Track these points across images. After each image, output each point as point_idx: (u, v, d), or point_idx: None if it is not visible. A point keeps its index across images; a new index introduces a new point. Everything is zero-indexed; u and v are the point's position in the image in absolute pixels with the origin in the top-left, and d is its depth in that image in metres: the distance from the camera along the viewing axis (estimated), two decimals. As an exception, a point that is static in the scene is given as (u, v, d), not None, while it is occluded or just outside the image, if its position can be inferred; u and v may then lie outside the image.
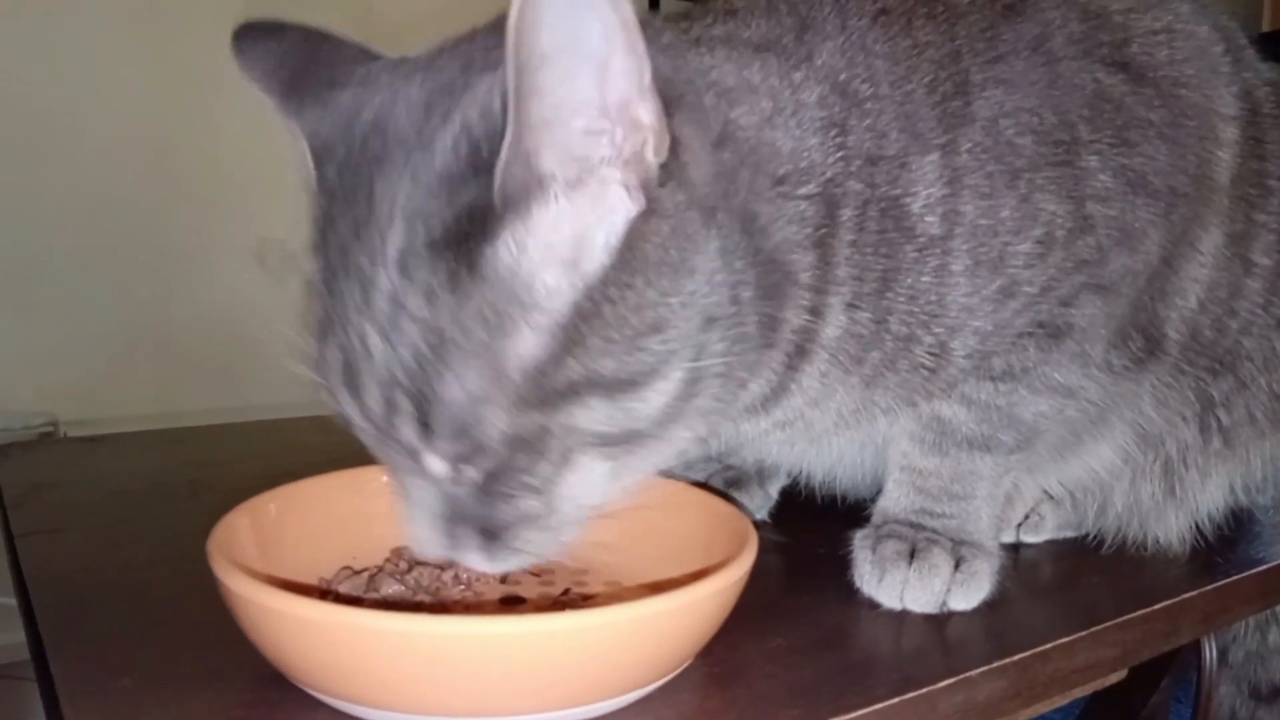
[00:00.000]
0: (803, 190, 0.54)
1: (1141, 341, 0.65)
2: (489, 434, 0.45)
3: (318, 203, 0.49)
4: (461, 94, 0.45)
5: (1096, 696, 0.90)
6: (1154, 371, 0.67)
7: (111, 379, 2.08)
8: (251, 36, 0.54)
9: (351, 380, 0.47)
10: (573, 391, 0.45)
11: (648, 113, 0.44)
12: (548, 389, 0.45)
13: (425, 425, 0.45)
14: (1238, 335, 0.70)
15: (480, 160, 0.43)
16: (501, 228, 0.43)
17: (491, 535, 0.49)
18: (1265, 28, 3.03)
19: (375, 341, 0.45)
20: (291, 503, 0.59)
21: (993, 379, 0.62)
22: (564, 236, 0.44)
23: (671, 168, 0.46)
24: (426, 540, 0.50)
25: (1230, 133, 0.66)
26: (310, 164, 0.50)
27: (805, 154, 0.54)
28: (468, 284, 0.43)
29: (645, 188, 0.45)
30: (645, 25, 0.43)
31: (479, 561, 0.50)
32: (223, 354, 2.15)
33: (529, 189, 0.43)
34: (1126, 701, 0.88)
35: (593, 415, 0.46)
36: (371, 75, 0.50)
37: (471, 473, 0.47)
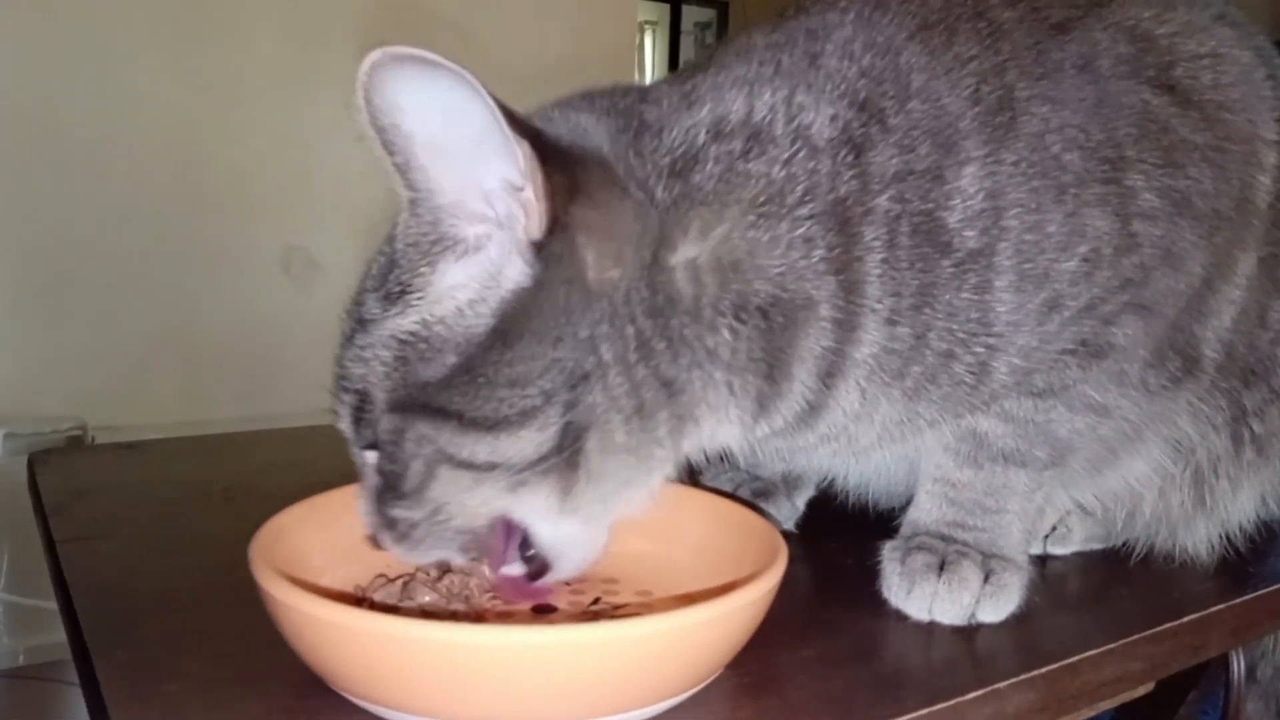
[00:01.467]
0: (802, 211, 0.54)
1: (1179, 362, 0.65)
2: (377, 434, 0.54)
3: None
4: None
5: (1122, 710, 0.89)
6: (1190, 390, 0.67)
7: (139, 385, 2.11)
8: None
9: (336, 383, 0.56)
10: (433, 411, 0.52)
11: (526, 195, 0.50)
12: (418, 400, 0.52)
13: (356, 421, 0.55)
14: (1270, 346, 0.70)
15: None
16: (412, 274, 0.52)
17: (390, 524, 0.56)
18: (1291, 35, 3.01)
19: (343, 353, 0.55)
20: (328, 510, 0.60)
21: (1034, 395, 0.62)
22: (455, 293, 0.51)
23: (557, 247, 0.51)
24: (365, 517, 0.57)
25: (1271, 158, 0.66)
26: None
27: (801, 177, 0.55)
28: (381, 315, 0.53)
29: (527, 261, 0.51)
30: (625, 110, 0.55)
31: (392, 546, 0.56)
32: (248, 361, 2.17)
33: (423, 249, 0.51)
34: (1152, 715, 0.88)
35: (443, 435, 0.52)
36: None
37: (377, 475, 0.55)
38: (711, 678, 0.50)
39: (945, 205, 0.56)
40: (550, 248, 0.50)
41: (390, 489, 0.54)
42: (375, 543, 0.57)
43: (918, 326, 0.57)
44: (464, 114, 0.47)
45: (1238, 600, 0.67)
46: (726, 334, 0.55)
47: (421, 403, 0.52)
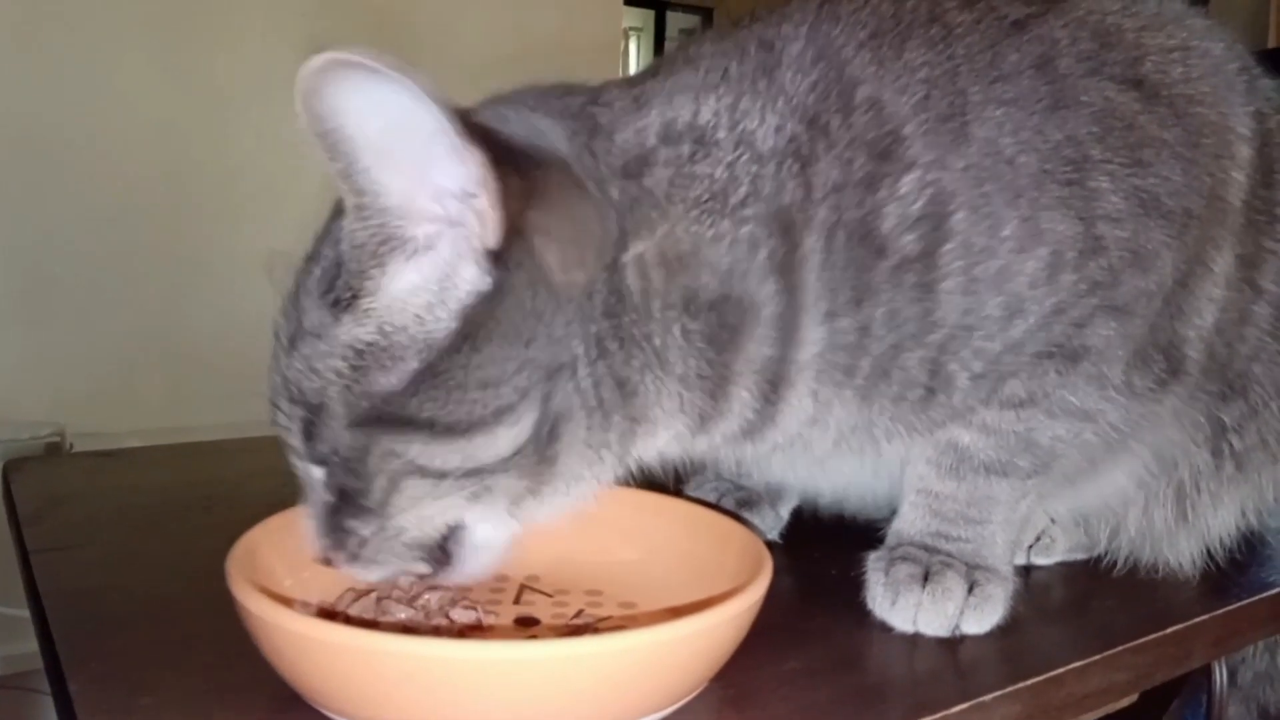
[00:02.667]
0: (746, 212, 0.55)
1: (1163, 363, 0.65)
2: (335, 449, 0.52)
3: (313, 240, 0.56)
4: None
5: None
6: (1175, 393, 0.67)
7: (120, 390, 2.09)
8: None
9: (278, 392, 0.54)
10: (399, 422, 0.51)
11: (479, 202, 0.49)
12: (381, 414, 0.51)
13: (307, 436, 0.53)
14: (1248, 361, 0.70)
15: None
16: (360, 278, 0.50)
17: (342, 543, 0.55)
18: (1271, 44, 3.04)
19: (287, 361, 0.53)
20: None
21: (1014, 406, 0.62)
22: (410, 296, 0.50)
23: (515, 251, 0.50)
24: (310, 538, 0.56)
25: (1245, 152, 0.65)
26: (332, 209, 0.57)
27: (743, 180, 0.55)
28: (331, 322, 0.51)
29: (484, 267, 0.50)
30: (578, 111, 0.55)
31: (345, 565, 0.55)
32: (231, 367, 2.13)
33: (371, 250, 0.50)
34: (1136, 724, 0.88)
35: (412, 447, 0.51)
36: None
37: (330, 492, 0.54)
38: (697, 691, 0.50)
39: (879, 212, 0.56)
40: (509, 254, 0.50)
41: (346, 505, 0.53)
42: (327, 563, 0.56)
43: (860, 319, 0.57)
44: (411, 119, 0.46)
45: (1221, 610, 0.67)
46: (676, 332, 0.55)
47: (387, 416, 0.51)
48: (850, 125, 0.56)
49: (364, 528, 0.54)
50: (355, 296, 0.50)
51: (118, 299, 2.11)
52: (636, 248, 0.54)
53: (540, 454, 0.53)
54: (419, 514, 0.54)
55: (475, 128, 0.48)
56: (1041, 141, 0.57)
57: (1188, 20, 0.66)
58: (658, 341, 0.55)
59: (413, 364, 0.50)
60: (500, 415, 0.51)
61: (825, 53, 0.58)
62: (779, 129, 0.56)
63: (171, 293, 2.15)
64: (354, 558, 0.55)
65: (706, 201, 0.55)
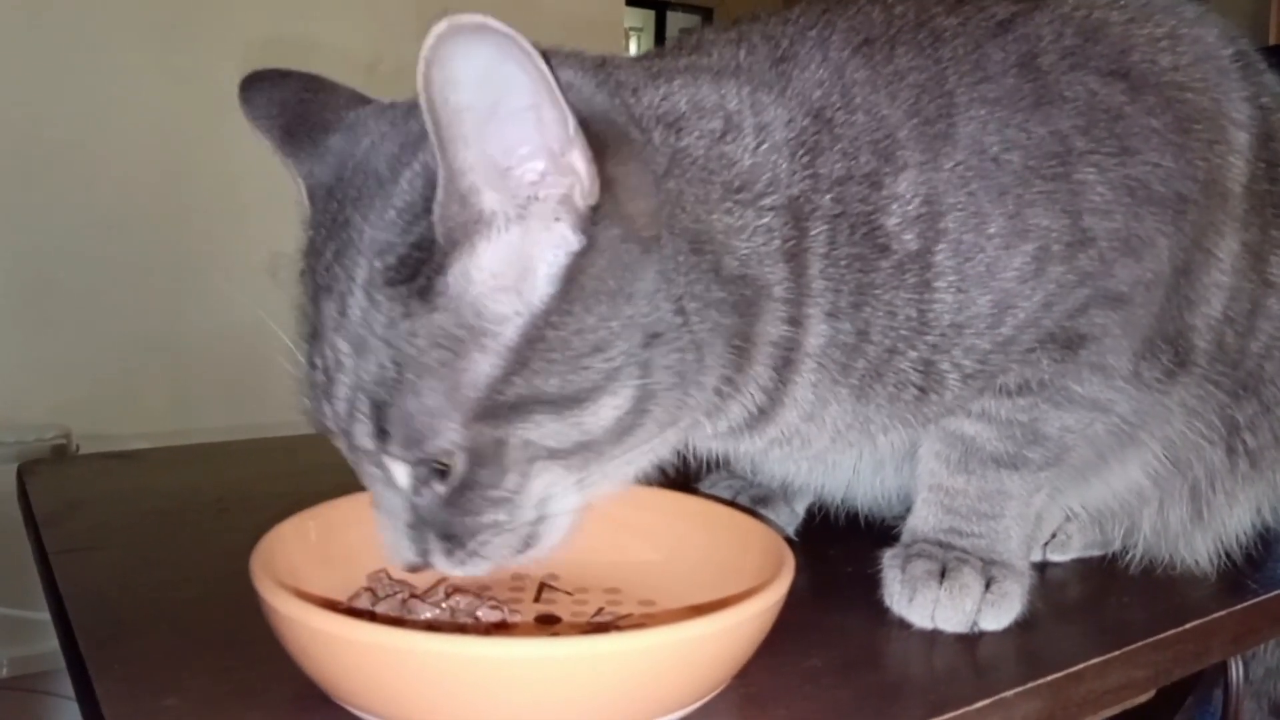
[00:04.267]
0: (765, 202, 0.56)
1: (1171, 353, 0.65)
2: (445, 446, 0.50)
3: (309, 233, 0.54)
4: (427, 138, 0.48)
5: (1120, 717, 0.89)
6: (1184, 385, 0.67)
7: (124, 393, 2.09)
8: (256, 85, 0.60)
9: (327, 391, 0.51)
10: (524, 407, 0.49)
11: (575, 159, 0.48)
12: (501, 405, 0.49)
13: (383, 433, 0.50)
14: (1259, 359, 0.70)
15: (433, 198, 0.47)
16: (448, 260, 0.48)
17: (455, 541, 0.53)
18: (1272, 41, 3.04)
19: (346, 356, 0.50)
20: (326, 521, 0.59)
21: (1009, 394, 0.62)
22: (508, 268, 0.48)
23: (605, 206, 0.49)
24: (396, 547, 0.54)
25: (1242, 138, 0.65)
26: (305, 200, 0.56)
27: (765, 168, 0.56)
28: (420, 311, 0.48)
29: (580, 226, 0.49)
30: (596, 68, 0.54)
31: (445, 566, 0.53)
32: (235, 369, 2.15)
33: (469, 226, 0.47)
34: (1151, 720, 0.88)
35: (543, 430, 0.50)
36: (360, 120, 0.56)
37: (439, 486, 0.51)
38: (719, 689, 0.50)
39: (883, 210, 0.57)
40: (602, 208, 0.49)
41: (454, 501, 0.51)
42: (414, 570, 0.54)
43: (858, 323, 0.58)
44: (522, 83, 0.45)
45: (1238, 607, 0.67)
46: (719, 296, 0.55)
47: (509, 401, 0.49)
48: (852, 123, 0.58)
49: (482, 520, 0.52)
50: (444, 275, 0.48)
51: (121, 302, 2.11)
52: (683, 217, 0.54)
53: (629, 424, 0.52)
54: (544, 496, 0.53)
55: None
56: (1026, 138, 0.58)
57: (1178, 9, 0.66)
58: (712, 303, 0.54)
59: (512, 339, 0.48)
60: (611, 380, 0.50)
61: (827, 55, 0.59)
62: (789, 121, 0.57)
63: (174, 296, 2.15)
64: (465, 555, 0.53)
65: (738, 190, 0.55)
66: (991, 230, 0.57)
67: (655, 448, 0.57)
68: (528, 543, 0.54)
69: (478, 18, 0.43)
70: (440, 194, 0.47)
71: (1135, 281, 0.61)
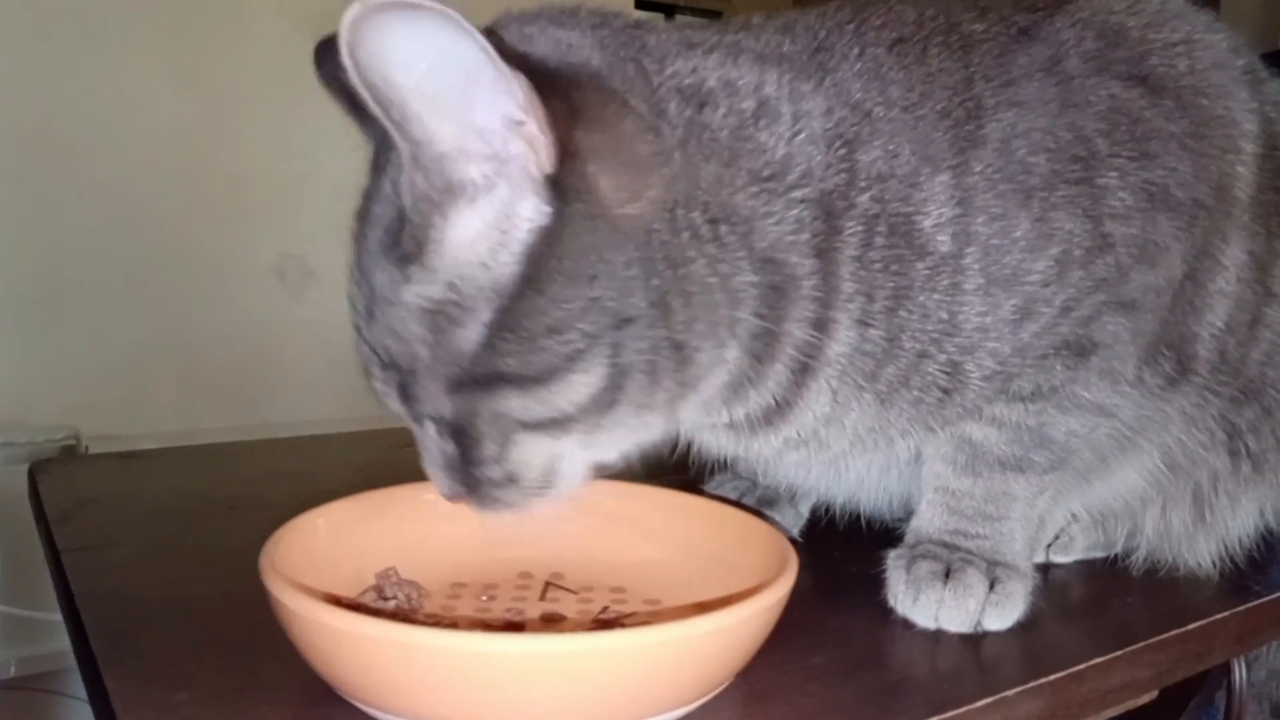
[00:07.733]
0: (796, 193, 0.56)
1: (1174, 360, 0.65)
2: (438, 411, 0.52)
3: (361, 199, 0.55)
4: None
5: (1124, 717, 0.90)
6: (1184, 393, 0.67)
7: (134, 394, 2.10)
8: (329, 52, 0.58)
9: (369, 358, 0.54)
10: (488, 383, 0.51)
11: (529, 129, 0.47)
12: (471, 378, 0.51)
13: (406, 396, 0.53)
14: (1260, 366, 0.70)
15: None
16: (420, 233, 0.49)
17: (473, 487, 0.55)
18: (1280, 46, 3.03)
19: (369, 330, 0.53)
20: (336, 520, 0.60)
21: (1021, 399, 0.63)
22: (481, 240, 0.49)
23: (569, 179, 0.49)
24: (438, 481, 0.56)
25: (1250, 148, 0.66)
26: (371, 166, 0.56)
27: (799, 158, 0.56)
28: (401, 282, 0.50)
29: (546, 199, 0.49)
30: (621, 30, 0.54)
31: (478, 507, 0.56)
32: (243, 369, 2.16)
33: (435, 197, 0.48)
34: (1154, 722, 0.89)
35: (510, 404, 0.51)
36: None
37: (447, 444, 0.54)
38: (722, 687, 0.50)
39: (921, 210, 0.57)
40: (565, 181, 0.49)
41: (466, 455, 0.54)
42: (458, 501, 0.57)
43: (891, 329, 0.58)
44: (453, 54, 0.45)
45: (1241, 608, 0.68)
46: (738, 283, 0.55)
47: (479, 377, 0.50)
48: (892, 120, 0.57)
49: (488, 473, 0.54)
50: (421, 246, 0.49)
51: (129, 303, 2.11)
52: (698, 198, 0.53)
53: (611, 399, 0.53)
54: (535, 461, 0.54)
55: (513, 54, 0.47)
56: (1052, 141, 0.58)
57: (1191, 16, 0.66)
58: (721, 286, 0.54)
59: (485, 314, 0.49)
60: (573, 361, 0.50)
61: (865, 49, 0.59)
62: (828, 111, 0.57)
63: (183, 296, 2.16)
64: (487, 500, 0.55)
65: (768, 179, 0.55)
66: (1018, 234, 0.58)
67: (663, 419, 0.57)
68: (541, 493, 0.56)
69: None
70: (405, 167, 0.48)
71: (1148, 288, 0.62)
